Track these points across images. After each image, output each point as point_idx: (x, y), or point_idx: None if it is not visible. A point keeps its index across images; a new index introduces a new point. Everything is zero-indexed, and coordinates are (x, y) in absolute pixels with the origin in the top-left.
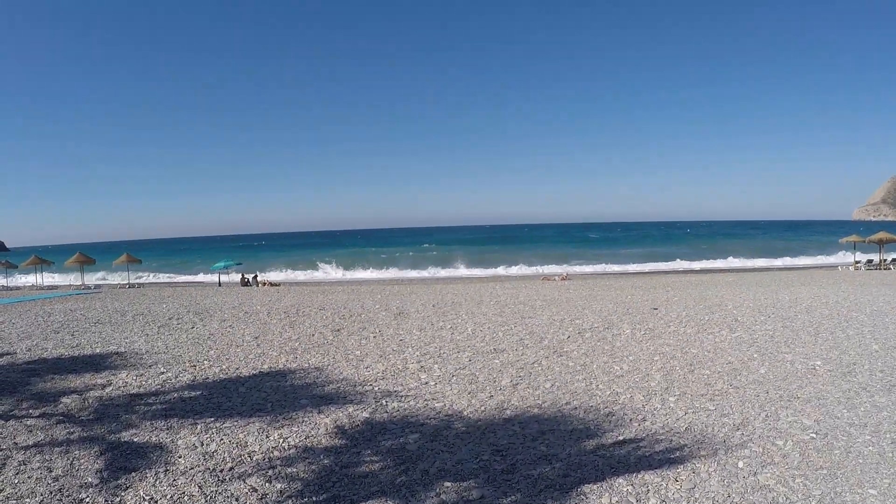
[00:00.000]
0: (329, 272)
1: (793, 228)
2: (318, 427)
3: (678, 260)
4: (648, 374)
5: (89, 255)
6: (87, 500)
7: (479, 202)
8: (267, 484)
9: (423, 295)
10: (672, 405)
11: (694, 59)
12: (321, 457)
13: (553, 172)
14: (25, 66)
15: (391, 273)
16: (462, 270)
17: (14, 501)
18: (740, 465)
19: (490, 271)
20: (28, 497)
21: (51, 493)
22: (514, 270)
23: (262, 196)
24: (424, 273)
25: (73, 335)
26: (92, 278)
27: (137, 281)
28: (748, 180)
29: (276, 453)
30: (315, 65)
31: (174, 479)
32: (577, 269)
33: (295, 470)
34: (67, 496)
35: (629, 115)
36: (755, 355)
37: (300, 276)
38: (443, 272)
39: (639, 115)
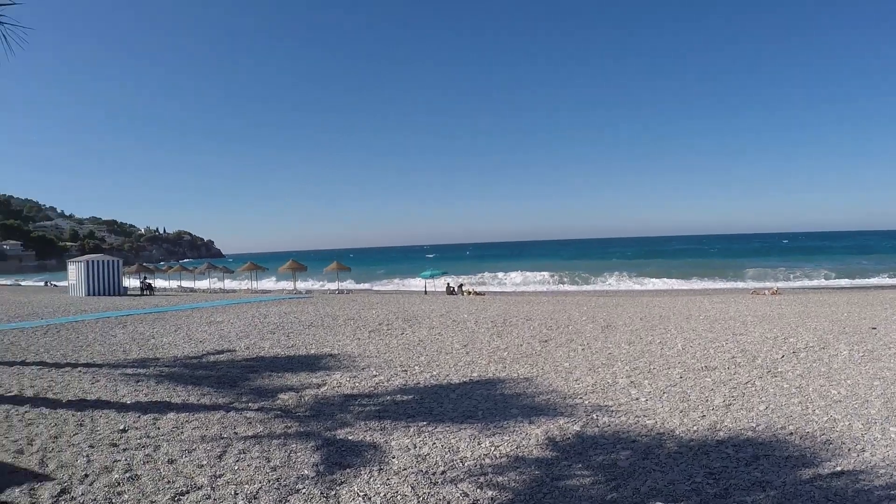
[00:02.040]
0: (533, 283)
1: None
2: (528, 437)
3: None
4: (868, 400)
5: (301, 263)
6: (304, 490)
7: (678, 211)
8: (478, 490)
9: (628, 308)
10: (894, 436)
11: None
12: (532, 467)
13: (751, 179)
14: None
15: (592, 285)
16: (666, 283)
17: (234, 486)
18: None
19: (695, 284)
20: (247, 483)
21: (269, 481)
22: (721, 284)
23: (460, 206)
24: (626, 285)
25: (287, 336)
26: (303, 284)
27: (346, 287)
28: None
29: (488, 460)
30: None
31: (387, 479)
32: (789, 283)
33: (506, 478)
34: (284, 485)
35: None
36: None
37: (503, 286)
38: (647, 284)
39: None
